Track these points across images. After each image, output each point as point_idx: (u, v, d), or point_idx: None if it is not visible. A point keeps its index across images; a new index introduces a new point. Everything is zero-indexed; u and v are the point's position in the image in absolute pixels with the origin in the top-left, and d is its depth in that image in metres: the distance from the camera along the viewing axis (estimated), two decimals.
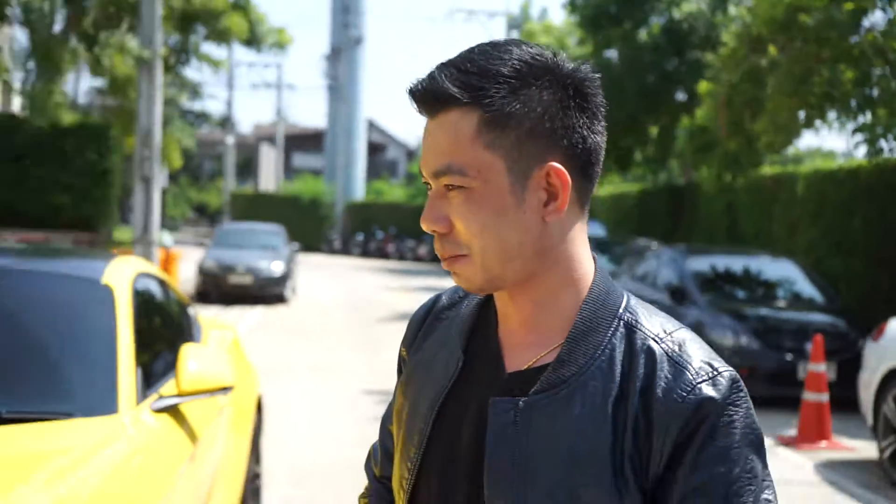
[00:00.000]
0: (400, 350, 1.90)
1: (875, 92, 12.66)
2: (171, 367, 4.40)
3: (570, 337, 1.55)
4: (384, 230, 51.39)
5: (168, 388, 4.21)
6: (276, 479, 7.07)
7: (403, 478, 1.75)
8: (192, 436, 4.25)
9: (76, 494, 3.14)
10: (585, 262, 1.58)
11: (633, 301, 1.61)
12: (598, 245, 20.33)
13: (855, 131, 12.61)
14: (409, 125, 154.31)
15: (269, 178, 65.43)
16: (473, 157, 1.48)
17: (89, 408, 3.76)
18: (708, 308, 12.79)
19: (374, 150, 73.55)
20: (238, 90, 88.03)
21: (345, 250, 52.15)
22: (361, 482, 2.09)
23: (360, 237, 51.91)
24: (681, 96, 23.00)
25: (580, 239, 1.57)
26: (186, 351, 4.18)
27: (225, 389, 4.29)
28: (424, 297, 2.47)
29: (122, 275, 4.59)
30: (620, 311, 1.57)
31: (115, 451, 3.54)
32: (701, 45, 21.74)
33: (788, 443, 9.42)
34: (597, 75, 1.56)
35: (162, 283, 5.41)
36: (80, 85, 21.13)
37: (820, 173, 16.88)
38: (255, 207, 51.28)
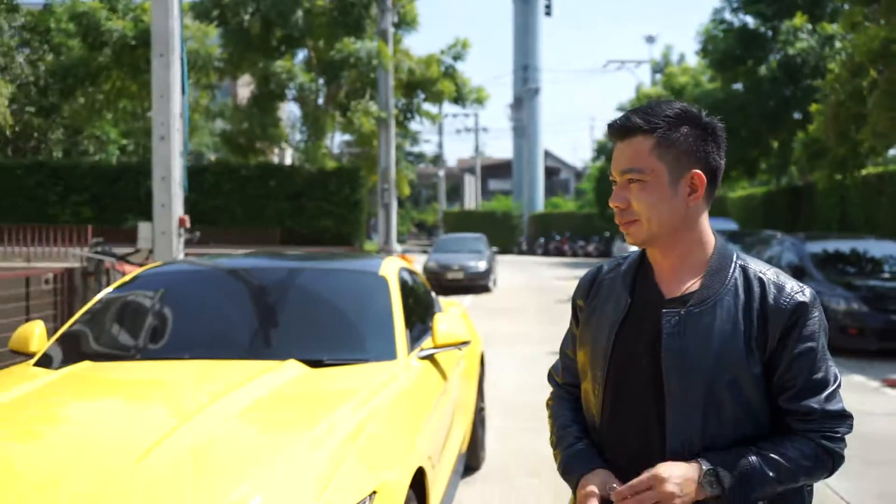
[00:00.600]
0: (575, 301, 2.19)
1: None
2: (426, 330, 4.69)
3: (708, 273, 1.91)
4: (560, 234, 50.94)
5: (426, 343, 4.47)
6: (493, 412, 7.23)
7: (596, 384, 2.02)
8: (443, 376, 4.50)
9: (377, 407, 3.40)
10: (709, 232, 1.94)
11: (743, 254, 1.98)
12: (731, 236, 19.70)
13: None
14: (576, 153, 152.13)
15: (471, 199, 65.97)
16: (648, 164, 1.86)
17: (379, 356, 4.06)
18: (824, 281, 12.32)
19: (550, 173, 72.96)
20: (446, 135, 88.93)
21: (530, 251, 51.75)
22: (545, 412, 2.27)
23: (541, 240, 51.33)
24: (796, 116, 21.94)
25: (706, 219, 1.93)
26: (438, 317, 4.48)
27: (463, 344, 4.48)
28: None
29: (390, 269, 4.90)
30: (735, 258, 1.94)
31: (396, 383, 3.80)
32: (812, 74, 20.71)
33: (893, 384, 9.04)
34: (721, 125, 1.96)
35: (414, 274, 5.78)
36: (335, 139, 21.93)
37: None
38: (462, 222, 52.03)
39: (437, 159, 54.86)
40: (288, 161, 24.73)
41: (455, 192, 73.69)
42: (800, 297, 1.88)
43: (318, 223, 20.24)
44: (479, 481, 5.57)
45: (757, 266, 1.95)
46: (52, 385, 3.77)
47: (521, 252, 51.96)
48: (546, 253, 49.83)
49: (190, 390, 3.75)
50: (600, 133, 54.47)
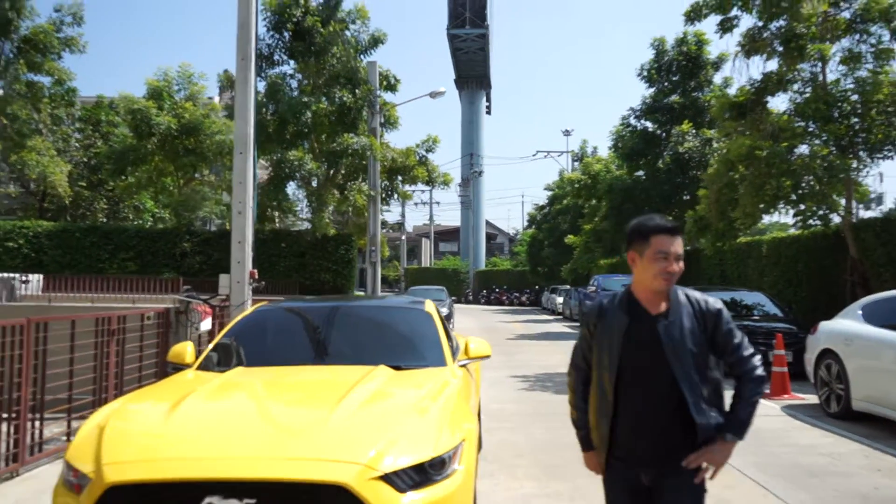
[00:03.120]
0: (589, 322, 2.71)
1: (804, 191, 13.03)
2: (456, 348, 5.25)
3: (671, 299, 2.58)
4: (499, 287, 51.55)
5: (460, 356, 5.07)
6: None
7: (611, 373, 2.55)
8: (472, 380, 5.23)
9: (450, 391, 3.98)
10: None
11: (681, 289, 2.61)
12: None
13: (795, 215, 13.05)
14: (509, 222, 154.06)
15: (427, 258, 66.67)
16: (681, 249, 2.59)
17: (435, 363, 4.68)
18: None
19: (489, 238, 73.65)
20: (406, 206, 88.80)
21: (475, 300, 52.42)
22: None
23: (484, 292, 52.04)
24: (685, 197, 22.98)
25: None
26: (469, 339, 5.28)
27: (486, 357, 5.19)
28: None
29: (430, 306, 5.66)
30: (678, 290, 2.60)
31: (455, 379, 4.33)
32: (696, 167, 21.89)
33: (765, 397, 9.82)
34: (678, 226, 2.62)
35: (439, 313, 6.63)
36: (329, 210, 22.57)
37: (776, 240, 17.20)
38: (420, 276, 52.56)
39: (400, 226, 55.58)
40: (292, 227, 25.20)
41: (412, 252, 74.12)
42: (716, 304, 2.61)
43: (319, 276, 20.71)
44: (481, 460, 5.95)
45: (688, 292, 2.64)
46: (235, 375, 4.41)
47: (467, 301, 52.52)
48: (488, 302, 50.33)
49: (329, 379, 4.43)
50: (530, 206, 55.59)
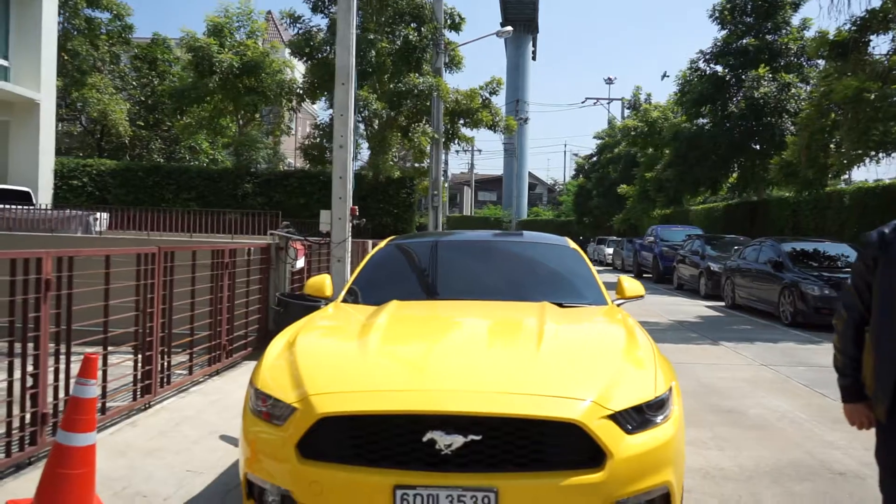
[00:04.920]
0: (868, 256, 2.46)
1: None
2: (610, 288, 4.83)
3: None
4: None
5: (615, 295, 4.82)
6: None
7: None
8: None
9: (637, 336, 3.67)
10: None
11: None
12: (706, 239, 20.13)
13: None
14: (548, 172, 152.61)
15: (467, 207, 66.49)
16: None
17: (595, 301, 4.48)
18: (799, 273, 12.87)
19: (529, 188, 73.47)
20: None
21: None
22: None
23: None
24: (755, 147, 22.46)
25: None
26: (622, 278, 4.97)
27: (639, 297, 4.88)
28: None
29: (571, 243, 5.40)
30: None
31: (614, 315, 4.16)
32: (770, 113, 21.22)
33: None
34: None
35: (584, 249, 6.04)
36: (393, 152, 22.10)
37: (862, 189, 16.57)
38: (462, 225, 52.62)
39: (444, 174, 55.18)
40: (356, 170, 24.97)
41: (453, 201, 73.99)
42: None
43: (381, 220, 20.56)
44: None
45: None
46: (400, 308, 4.07)
47: None
48: None
49: (506, 315, 4.11)
50: (577, 156, 54.76)
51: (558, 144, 69.56)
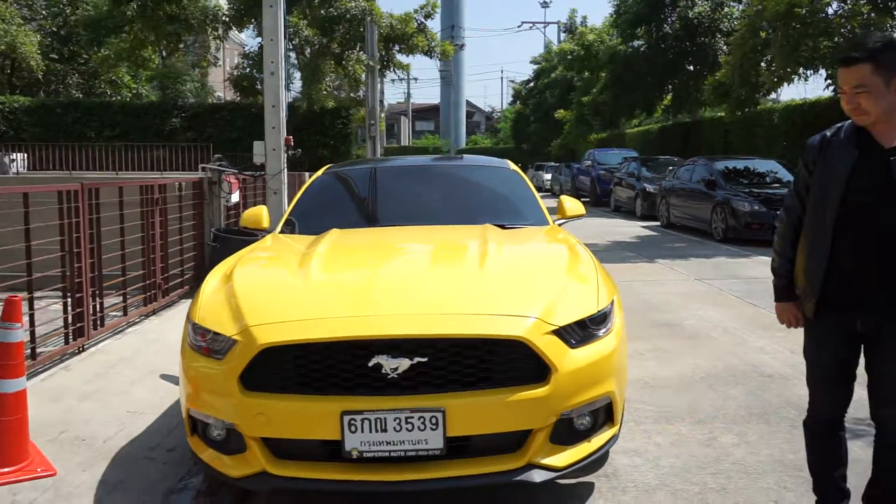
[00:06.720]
0: (809, 157, 2.49)
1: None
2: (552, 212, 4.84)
3: None
4: None
5: (557, 216, 4.83)
6: None
7: (829, 219, 2.34)
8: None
9: (578, 252, 3.68)
10: None
11: None
12: (641, 161, 20.39)
13: (828, 77, 12.62)
14: (486, 100, 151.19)
15: (404, 137, 65.56)
16: (870, 80, 2.29)
17: (536, 222, 4.48)
18: (731, 190, 13.13)
19: (467, 116, 72.62)
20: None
21: None
22: None
23: None
24: (689, 68, 22.59)
25: None
26: (563, 198, 4.98)
27: (580, 217, 4.93)
28: None
29: (512, 165, 5.36)
30: None
31: (556, 234, 4.19)
32: (704, 34, 21.30)
33: None
34: None
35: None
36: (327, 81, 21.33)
37: (790, 106, 16.79)
38: (400, 154, 51.83)
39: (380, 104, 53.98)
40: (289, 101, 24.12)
41: (390, 131, 72.54)
42: None
43: (317, 152, 20.09)
44: None
45: None
46: (340, 236, 4.00)
47: None
48: None
49: (447, 237, 4.12)
50: (514, 83, 54.27)
51: (495, 71, 69.07)
